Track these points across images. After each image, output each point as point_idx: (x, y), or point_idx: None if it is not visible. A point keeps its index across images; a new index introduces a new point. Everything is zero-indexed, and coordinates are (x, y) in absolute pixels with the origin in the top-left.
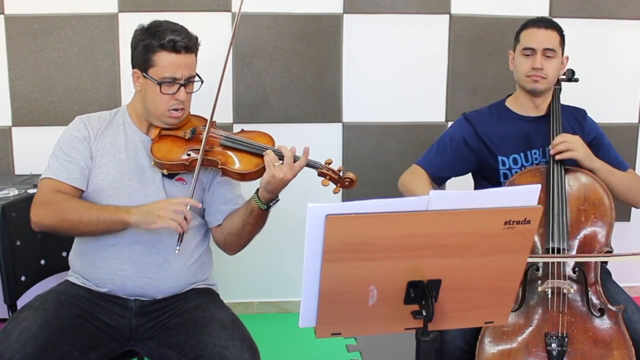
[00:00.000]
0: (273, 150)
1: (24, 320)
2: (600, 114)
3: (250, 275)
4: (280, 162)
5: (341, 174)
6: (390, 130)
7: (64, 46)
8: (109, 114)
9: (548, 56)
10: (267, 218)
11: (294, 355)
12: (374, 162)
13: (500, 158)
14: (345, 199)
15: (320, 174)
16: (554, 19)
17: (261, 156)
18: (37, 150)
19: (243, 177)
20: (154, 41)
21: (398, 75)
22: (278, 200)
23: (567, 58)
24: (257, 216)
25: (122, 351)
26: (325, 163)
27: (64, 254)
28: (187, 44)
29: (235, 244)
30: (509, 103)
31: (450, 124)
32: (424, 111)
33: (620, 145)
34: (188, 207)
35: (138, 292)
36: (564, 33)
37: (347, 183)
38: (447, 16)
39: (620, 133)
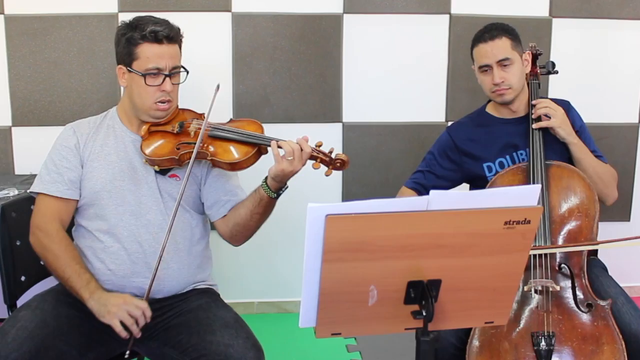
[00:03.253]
0: (276, 141)
1: (21, 320)
2: (600, 114)
3: (250, 275)
4: (291, 157)
5: (333, 155)
6: (390, 130)
7: (64, 46)
8: (99, 117)
9: (505, 65)
10: (275, 206)
11: (294, 355)
12: (374, 162)
13: (485, 165)
14: (345, 199)
15: (311, 157)
16: (555, 19)
17: (250, 144)
18: (37, 150)
19: (233, 166)
20: (136, 33)
21: (398, 75)
22: (287, 187)
23: (529, 53)
24: (266, 205)
25: (122, 351)
26: (316, 145)
27: None
28: (169, 33)
29: (241, 234)
30: (489, 109)
31: (450, 123)
32: (424, 111)
33: (620, 145)
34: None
35: (137, 293)
36: (515, 32)
37: (338, 164)
38: (447, 16)
39: (620, 133)
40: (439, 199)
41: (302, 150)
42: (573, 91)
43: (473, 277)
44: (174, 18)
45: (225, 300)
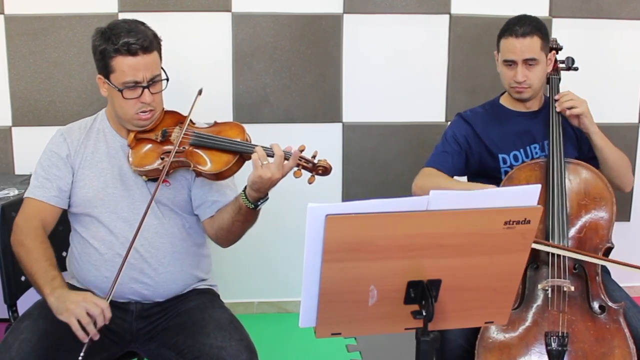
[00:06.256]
0: (263, 148)
1: (24, 331)
2: (600, 114)
3: (250, 275)
4: (268, 160)
5: (315, 160)
6: (390, 130)
7: (64, 46)
8: (90, 120)
9: (530, 64)
10: (259, 215)
11: (294, 355)
12: (374, 162)
13: (501, 156)
14: (345, 199)
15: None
16: (555, 19)
17: (232, 152)
18: (37, 150)
19: (217, 176)
20: (109, 46)
21: (398, 75)
22: (267, 198)
23: (554, 53)
24: (246, 214)
25: (122, 353)
26: (298, 150)
27: (64, 254)
28: (143, 44)
29: (226, 238)
30: (503, 101)
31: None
32: (424, 111)
33: (620, 145)
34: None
35: (137, 298)
36: (546, 30)
37: (320, 171)
38: (447, 16)
39: (620, 133)
40: (439, 199)
41: (285, 159)
42: (573, 91)
43: (473, 277)
44: (174, 18)
45: (225, 300)
